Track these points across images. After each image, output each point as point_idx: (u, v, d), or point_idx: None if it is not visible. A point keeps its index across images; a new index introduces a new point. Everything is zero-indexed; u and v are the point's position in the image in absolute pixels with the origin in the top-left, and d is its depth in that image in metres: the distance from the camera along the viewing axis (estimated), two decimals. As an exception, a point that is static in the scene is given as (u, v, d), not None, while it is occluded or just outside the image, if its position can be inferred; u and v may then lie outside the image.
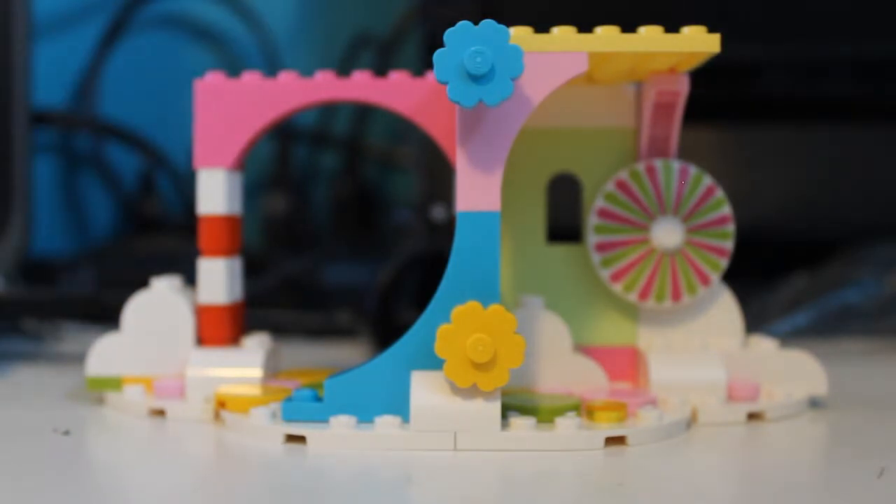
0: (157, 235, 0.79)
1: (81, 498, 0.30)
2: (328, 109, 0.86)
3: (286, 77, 0.42)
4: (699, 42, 0.36)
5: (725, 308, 0.43)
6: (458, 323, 0.35)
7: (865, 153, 0.70)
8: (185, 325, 0.42)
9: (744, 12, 0.64)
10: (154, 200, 0.82)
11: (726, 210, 0.42)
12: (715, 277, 0.42)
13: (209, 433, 0.38)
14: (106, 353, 0.42)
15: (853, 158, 0.70)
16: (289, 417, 0.37)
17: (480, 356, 0.35)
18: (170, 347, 0.42)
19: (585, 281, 0.43)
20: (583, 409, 0.38)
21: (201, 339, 0.43)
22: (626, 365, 0.43)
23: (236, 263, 0.44)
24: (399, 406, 0.36)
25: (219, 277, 0.43)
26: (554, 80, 0.36)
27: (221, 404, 0.39)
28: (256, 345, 0.43)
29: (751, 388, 0.41)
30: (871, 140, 0.70)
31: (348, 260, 0.73)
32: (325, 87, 0.42)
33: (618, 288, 0.42)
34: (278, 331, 0.63)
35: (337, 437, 0.36)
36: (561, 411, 0.37)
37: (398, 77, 0.42)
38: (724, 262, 0.42)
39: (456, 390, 0.36)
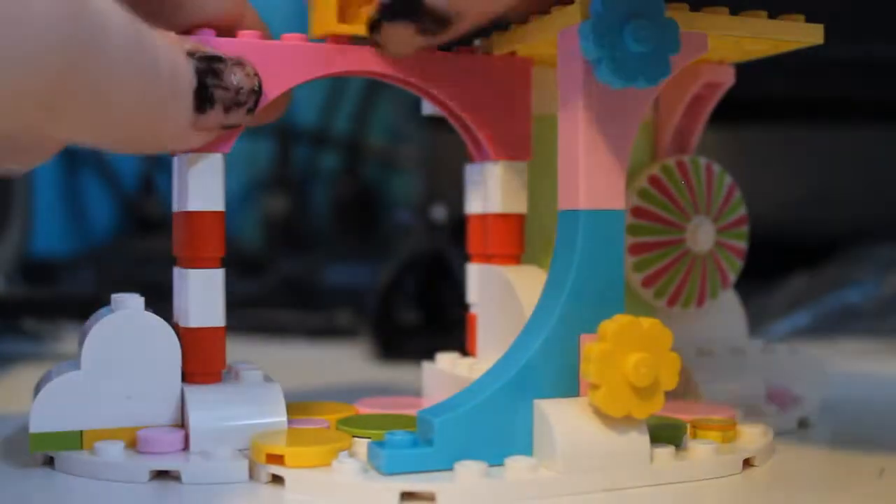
0: (157, 235, 0.79)
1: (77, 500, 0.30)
2: (328, 109, 0.86)
3: (293, 41, 0.34)
4: (804, 32, 0.33)
5: (731, 309, 0.41)
6: (615, 341, 0.30)
7: (865, 153, 0.70)
8: (171, 355, 0.33)
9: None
10: (154, 200, 0.82)
11: (744, 210, 0.40)
12: (734, 279, 0.40)
13: (270, 500, 0.29)
14: (60, 399, 0.31)
15: (853, 158, 0.70)
16: (393, 469, 0.29)
17: (643, 380, 0.29)
18: (150, 387, 0.32)
19: None
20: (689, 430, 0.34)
21: (189, 374, 0.33)
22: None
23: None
24: (522, 443, 0.30)
25: (215, 292, 0.33)
26: (680, 61, 0.32)
27: (274, 459, 0.30)
28: (258, 377, 0.34)
29: (785, 394, 0.39)
30: (871, 140, 0.70)
31: (348, 260, 0.73)
32: (337, 56, 0.34)
33: (648, 294, 0.39)
34: (278, 331, 0.63)
35: (470, 488, 0.29)
36: (682, 434, 0.32)
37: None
38: (740, 264, 0.40)
39: (605, 421, 0.30)
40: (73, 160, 0.86)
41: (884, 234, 0.66)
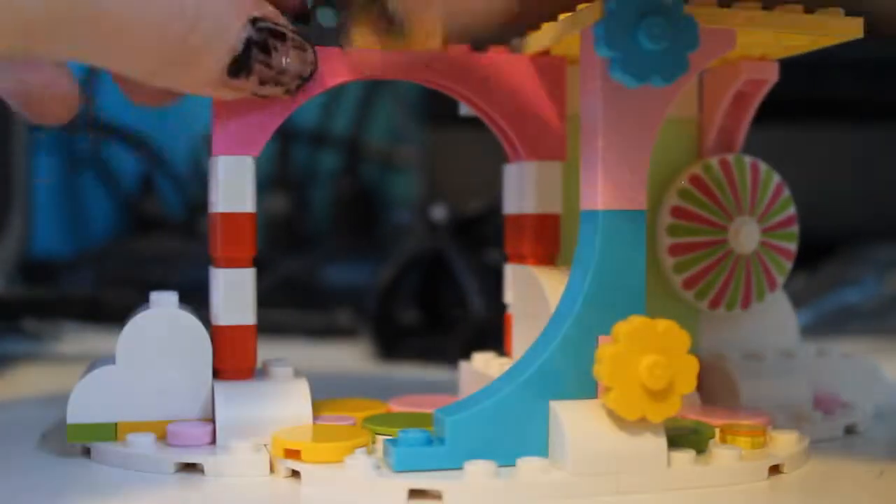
0: (156, 235, 0.79)
1: (78, 497, 0.30)
2: (328, 109, 0.86)
3: (328, 50, 0.34)
4: (841, 26, 0.33)
5: (780, 312, 0.40)
6: (628, 343, 0.29)
7: (865, 153, 0.70)
8: (203, 352, 0.33)
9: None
10: (154, 200, 0.82)
11: (793, 210, 0.39)
12: (781, 282, 0.39)
13: (286, 494, 0.30)
14: (96, 392, 0.33)
15: (853, 158, 0.70)
16: (403, 467, 0.29)
17: (657, 382, 0.29)
18: (182, 382, 0.33)
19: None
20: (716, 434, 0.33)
21: (220, 371, 0.34)
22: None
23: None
24: (536, 445, 0.30)
25: (245, 291, 0.34)
26: (704, 59, 0.31)
27: (292, 454, 0.31)
28: (288, 373, 0.35)
29: (833, 401, 0.38)
30: (871, 140, 0.70)
31: (348, 260, 0.73)
32: (364, 60, 0.35)
33: (689, 295, 0.38)
34: (278, 331, 0.63)
35: (478, 488, 0.29)
36: (707, 440, 0.32)
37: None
38: (789, 266, 0.39)
39: (619, 423, 0.30)
40: (73, 160, 0.86)
41: (884, 234, 0.66)
